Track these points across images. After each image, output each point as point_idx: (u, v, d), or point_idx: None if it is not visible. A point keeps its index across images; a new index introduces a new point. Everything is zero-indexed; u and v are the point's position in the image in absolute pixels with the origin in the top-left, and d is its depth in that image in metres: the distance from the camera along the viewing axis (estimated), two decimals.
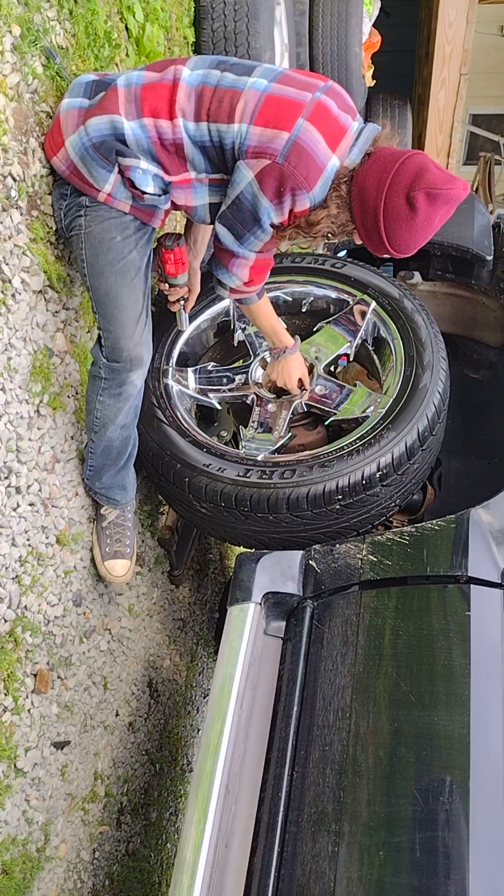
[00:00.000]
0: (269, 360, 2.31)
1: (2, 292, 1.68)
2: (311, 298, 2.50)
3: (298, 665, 1.58)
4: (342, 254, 2.87)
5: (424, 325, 2.22)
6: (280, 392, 2.30)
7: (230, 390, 2.37)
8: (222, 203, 1.76)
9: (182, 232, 2.09)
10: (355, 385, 2.29)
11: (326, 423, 2.28)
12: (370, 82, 5.10)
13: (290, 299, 2.51)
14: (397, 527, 2.22)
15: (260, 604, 1.69)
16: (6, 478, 1.75)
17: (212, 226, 1.86)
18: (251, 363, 2.40)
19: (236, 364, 2.48)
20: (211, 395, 2.36)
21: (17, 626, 1.78)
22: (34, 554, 1.86)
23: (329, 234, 1.75)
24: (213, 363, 2.44)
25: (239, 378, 2.38)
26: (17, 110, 1.70)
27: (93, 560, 2.15)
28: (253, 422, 2.28)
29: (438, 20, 5.22)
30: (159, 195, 1.77)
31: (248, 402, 2.34)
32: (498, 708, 1.38)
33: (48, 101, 1.81)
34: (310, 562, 1.75)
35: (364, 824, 1.30)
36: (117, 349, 1.86)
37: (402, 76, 6.55)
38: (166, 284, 2.08)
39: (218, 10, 2.88)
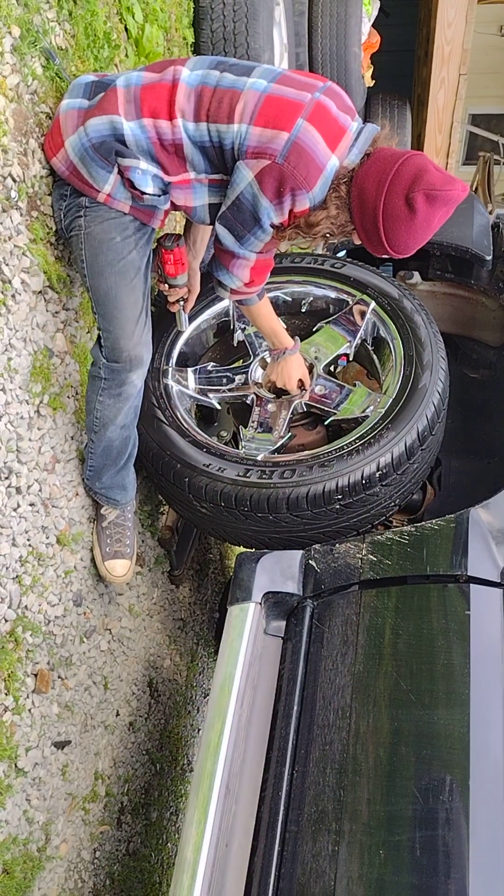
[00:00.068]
0: (268, 360, 2.32)
1: (2, 293, 1.69)
2: (311, 298, 2.50)
3: (298, 664, 1.58)
4: (342, 254, 2.87)
5: (424, 325, 2.23)
6: (280, 392, 2.30)
7: (230, 390, 2.37)
8: (222, 204, 1.76)
9: (182, 232, 2.09)
10: (355, 385, 2.29)
11: (326, 422, 2.28)
12: (369, 82, 5.10)
13: (290, 299, 2.51)
14: (397, 526, 2.22)
15: (260, 603, 1.69)
16: (6, 478, 1.75)
17: (211, 226, 1.87)
18: (251, 363, 2.40)
19: (236, 364, 2.48)
20: (211, 395, 2.36)
21: (17, 626, 1.78)
22: (34, 554, 1.86)
23: (328, 235, 1.75)
24: (212, 363, 2.44)
25: (239, 378, 2.38)
26: (17, 111, 1.70)
27: (93, 560, 2.16)
28: (253, 422, 2.28)
29: (437, 20, 5.21)
30: (159, 196, 1.77)
31: (247, 402, 2.34)
32: (498, 707, 1.38)
33: (48, 102, 1.82)
34: (310, 561, 1.76)
35: (364, 823, 1.30)
36: (117, 349, 1.86)
37: (401, 76, 6.55)
38: (166, 285, 2.08)
39: (217, 10, 2.88)
